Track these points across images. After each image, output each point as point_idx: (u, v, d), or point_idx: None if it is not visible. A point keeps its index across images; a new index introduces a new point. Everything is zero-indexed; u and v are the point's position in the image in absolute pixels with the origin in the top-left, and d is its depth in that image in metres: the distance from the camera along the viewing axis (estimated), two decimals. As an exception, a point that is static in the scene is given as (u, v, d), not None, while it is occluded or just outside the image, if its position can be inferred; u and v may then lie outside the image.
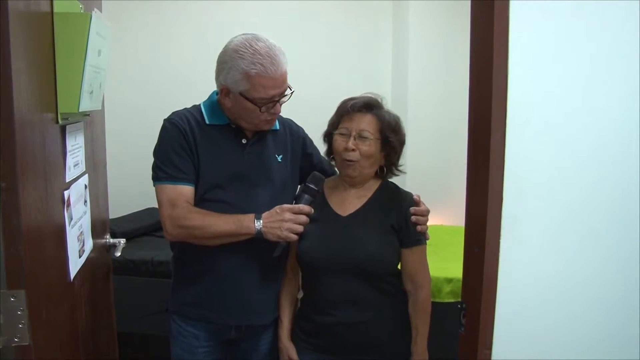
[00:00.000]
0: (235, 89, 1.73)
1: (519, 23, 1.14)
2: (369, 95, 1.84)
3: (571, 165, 1.19)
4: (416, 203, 1.82)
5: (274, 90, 1.72)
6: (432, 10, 4.17)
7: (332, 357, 1.85)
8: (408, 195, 1.86)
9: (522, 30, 1.14)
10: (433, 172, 4.15)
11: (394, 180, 1.92)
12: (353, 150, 1.75)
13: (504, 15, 1.14)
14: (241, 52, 1.69)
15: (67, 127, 1.43)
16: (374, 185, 1.87)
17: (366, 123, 1.78)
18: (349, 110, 1.79)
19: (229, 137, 1.84)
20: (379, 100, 1.84)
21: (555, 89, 1.17)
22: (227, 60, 1.72)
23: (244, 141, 1.85)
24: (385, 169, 1.88)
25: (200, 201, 1.80)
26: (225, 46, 1.76)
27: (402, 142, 1.85)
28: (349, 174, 1.81)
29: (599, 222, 1.21)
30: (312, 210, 1.75)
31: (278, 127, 1.94)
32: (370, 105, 1.80)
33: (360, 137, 1.76)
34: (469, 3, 1.25)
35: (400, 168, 1.90)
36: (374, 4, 4.41)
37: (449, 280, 2.86)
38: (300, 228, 1.71)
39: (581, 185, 1.20)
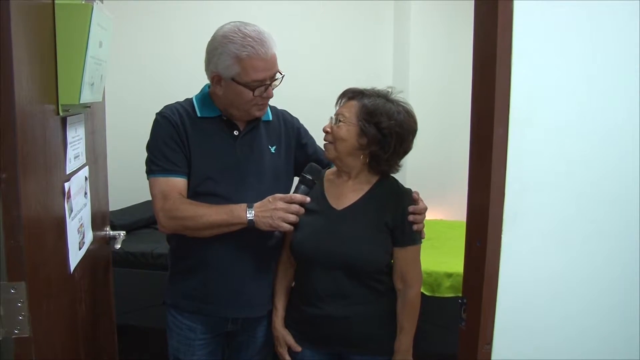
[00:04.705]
0: (227, 75, 1.73)
1: (523, 17, 1.13)
2: (383, 88, 1.80)
3: (574, 161, 1.19)
4: (415, 201, 1.79)
5: (265, 73, 1.73)
6: (434, 4, 4.16)
7: (320, 349, 1.87)
8: (407, 192, 1.83)
9: (526, 24, 1.14)
10: (434, 166, 4.16)
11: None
12: (328, 132, 1.77)
13: (507, 8, 1.13)
14: (231, 37, 1.70)
15: (68, 118, 1.43)
16: (372, 179, 1.84)
17: (346, 107, 1.77)
18: (340, 97, 1.81)
19: (220, 129, 1.85)
20: (388, 91, 1.79)
21: (559, 85, 1.17)
22: (217, 47, 1.72)
23: (235, 133, 1.85)
24: (376, 163, 1.79)
25: (193, 195, 1.80)
26: (214, 35, 1.76)
27: (382, 130, 1.71)
28: (326, 155, 1.83)
29: (601, 218, 1.21)
30: (307, 199, 1.75)
31: (271, 118, 1.95)
32: (358, 93, 1.78)
33: (337, 120, 1.76)
34: (471, -3, 1.25)
35: (392, 164, 1.81)
36: (375, 1, 4.40)
37: (449, 275, 2.86)
38: (292, 217, 1.71)
39: (584, 180, 1.20)
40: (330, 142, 1.77)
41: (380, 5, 4.42)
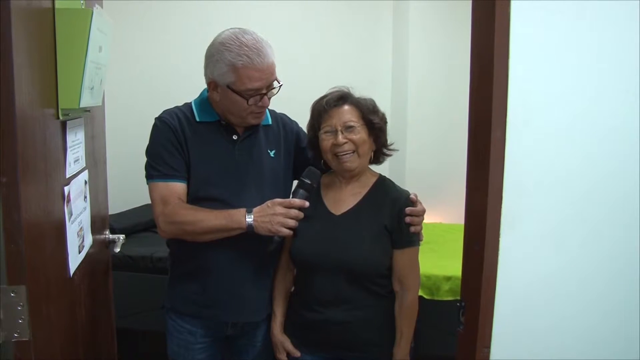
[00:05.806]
0: (222, 82, 1.74)
1: (520, 21, 1.14)
2: (336, 89, 1.84)
3: (571, 163, 1.19)
4: (412, 202, 1.79)
5: (260, 82, 1.73)
6: (432, 10, 4.16)
7: (320, 353, 1.86)
8: (404, 193, 1.83)
9: (523, 28, 1.14)
10: (432, 170, 4.15)
11: (391, 174, 1.91)
12: (345, 143, 1.74)
13: (505, 13, 1.14)
14: (228, 45, 1.70)
15: (68, 122, 1.43)
16: (369, 182, 1.85)
17: (347, 114, 1.77)
18: (325, 108, 1.79)
19: (219, 133, 1.85)
20: (349, 90, 1.83)
21: (557, 87, 1.18)
22: (214, 54, 1.73)
23: (234, 137, 1.86)
24: (378, 154, 1.87)
25: (193, 199, 1.81)
26: (212, 41, 1.77)
27: (385, 121, 1.84)
28: (347, 167, 1.77)
29: (599, 220, 1.21)
30: (306, 204, 1.74)
31: (270, 122, 1.95)
32: (344, 97, 1.79)
33: (347, 128, 1.75)
34: (469, 2, 1.25)
35: (390, 147, 1.88)
36: (374, 3, 4.40)
37: (448, 279, 2.86)
38: (291, 222, 1.70)
39: (582, 183, 1.20)
40: (353, 152, 1.76)
41: (379, 6, 4.42)
